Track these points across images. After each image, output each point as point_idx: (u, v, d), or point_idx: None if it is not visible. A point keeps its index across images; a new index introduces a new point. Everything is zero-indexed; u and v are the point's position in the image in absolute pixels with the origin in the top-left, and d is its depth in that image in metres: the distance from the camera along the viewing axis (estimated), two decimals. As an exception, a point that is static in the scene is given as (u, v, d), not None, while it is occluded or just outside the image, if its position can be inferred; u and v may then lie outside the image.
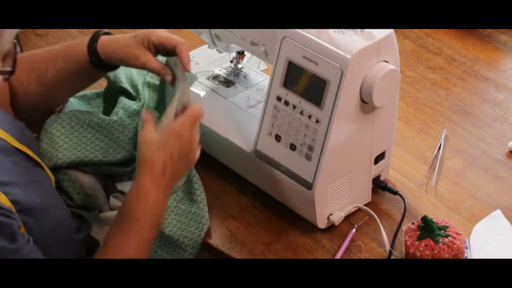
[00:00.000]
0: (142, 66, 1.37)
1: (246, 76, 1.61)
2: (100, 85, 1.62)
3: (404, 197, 1.41)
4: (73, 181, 1.45)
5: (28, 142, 1.33)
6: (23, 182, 1.22)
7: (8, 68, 1.16)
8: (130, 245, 1.21)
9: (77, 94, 1.60)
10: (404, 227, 1.36)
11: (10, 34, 1.14)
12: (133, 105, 1.56)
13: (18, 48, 1.19)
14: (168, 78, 1.36)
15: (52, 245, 1.24)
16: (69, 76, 1.43)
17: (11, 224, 1.13)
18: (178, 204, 1.43)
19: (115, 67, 1.46)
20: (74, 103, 1.58)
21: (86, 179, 1.47)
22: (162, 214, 1.25)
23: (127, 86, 1.60)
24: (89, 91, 1.63)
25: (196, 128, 1.28)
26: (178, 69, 1.36)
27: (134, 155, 1.40)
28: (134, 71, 1.63)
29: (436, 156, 1.56)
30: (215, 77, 1.61)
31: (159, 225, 1.25)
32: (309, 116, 1.32)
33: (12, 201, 1.16)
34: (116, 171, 1.49)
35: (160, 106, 1.51)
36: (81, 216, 1.44)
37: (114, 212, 1.43)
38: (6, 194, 1.15)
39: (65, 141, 1.50)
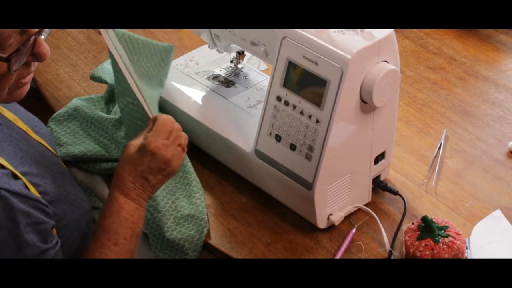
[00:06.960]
0: None
1: (246, 76, 1.61)
2: (104, 89, 1.64)
3: (404, 197, 1.41)
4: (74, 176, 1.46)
5: (44, 135, 1.32)
6: (50, 173, 1.23)
7: (3, 55, 1.09)
8: (109, 257, 1.23)
9: (82, 97, 1.62)
10: (404, 227, 1.36)
11: None
12: None
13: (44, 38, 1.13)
14: None
15: (76, 237, 1.25)
16: None
17: (46, 222, 1.15)
18: (177, 207, 1.43)
19: None
20: (79, 104, 1.58)
21: (86, 178, 1.47)
22: (138, 223, 1.27)
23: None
24: (95, 94, 1.64)
25: (173, 137, 1.28)
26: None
27: None
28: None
29: (436, 156, 1.56)
30: (215, 77, 1.61)
31: (138, 233, 1.27)
32: (309, 116, 1.32)
33: (41, 192, 1.17)
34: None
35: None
36: None
37: None
38: (35, 185, 1.16)
39: (69, 138, 1.51)
